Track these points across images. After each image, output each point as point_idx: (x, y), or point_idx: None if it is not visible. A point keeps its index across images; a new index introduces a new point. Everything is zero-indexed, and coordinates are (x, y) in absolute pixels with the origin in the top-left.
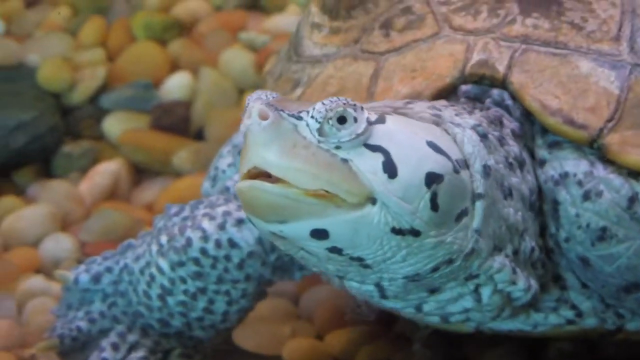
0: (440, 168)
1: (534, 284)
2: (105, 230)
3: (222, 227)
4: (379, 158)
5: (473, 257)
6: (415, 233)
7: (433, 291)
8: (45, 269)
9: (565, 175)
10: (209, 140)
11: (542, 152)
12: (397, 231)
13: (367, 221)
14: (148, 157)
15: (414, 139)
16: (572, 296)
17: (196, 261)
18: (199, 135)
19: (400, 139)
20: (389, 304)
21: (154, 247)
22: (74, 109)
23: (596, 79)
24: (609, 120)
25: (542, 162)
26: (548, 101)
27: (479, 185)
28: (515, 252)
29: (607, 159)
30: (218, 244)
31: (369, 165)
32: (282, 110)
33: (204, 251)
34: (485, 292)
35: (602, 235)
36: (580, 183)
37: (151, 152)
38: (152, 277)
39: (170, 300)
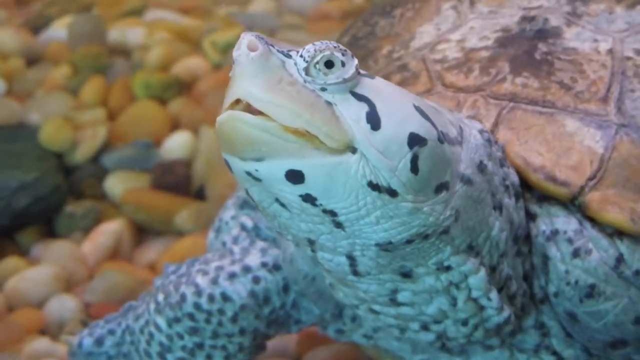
0: (425, 132)
1: (508, 310)
2: (109, 291)
3: (214, 281)
4: (363, 108)
5: (447, 240)
6: (392, 192)
7: (406, 275)
8: (50, 330)
9: (556, 232)
10: (210, 199)
11: (533, 207)
12: (373, 186)
13: (344, 169)
14: (150, 216)
15: (402, 100)
16: (555, 343)
17: (191, 316)
18: (199, 194)
19: (387, 96)
20: (363, 285)
21: (152, 306)
22: (75, 168)
23: (581, 137)
24: (590, 179)
25: (534, 216)
26: (532, 158)
27: (469, 170)
28: (493, 269)
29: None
30: (211, 298)
31: (352, 112)
32: (272, 45)
33: (197, 306)
34: (461, 296)
35: (591, 292)
36: (570, 240)
37: (153, 212)
38: (151, 335)
39: (170, 357)
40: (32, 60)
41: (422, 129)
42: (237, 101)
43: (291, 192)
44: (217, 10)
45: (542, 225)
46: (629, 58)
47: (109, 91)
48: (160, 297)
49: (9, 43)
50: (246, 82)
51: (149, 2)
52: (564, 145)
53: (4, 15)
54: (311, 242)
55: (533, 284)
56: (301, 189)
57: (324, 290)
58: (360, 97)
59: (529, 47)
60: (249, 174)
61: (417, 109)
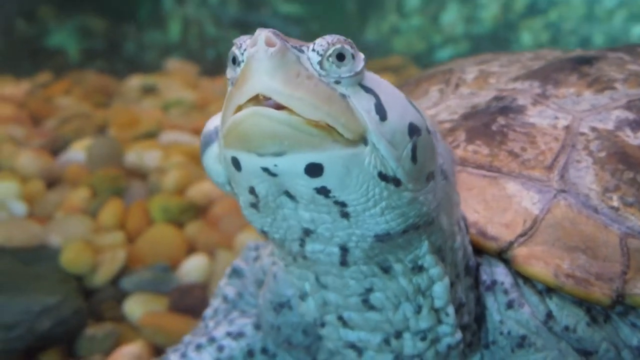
0: (419, 122)
1: (459, 334)
2: None
3: (184, 355)
4: (371, 100)
5: (429, 232)
6: (397, 182)
7: (385, 271)
8: None
9: (494, 283)
10: None
11: (477, 257)
12: (383, 176)
13: (359, 160)
14: (168, 339)
15: (397, 92)
16: None
17: None
18: None
19: (386, 88)
20: (347, 273)
21: None
22: (95, 290)
23: (519, 199)
24: (521, 235)
25: (478, 266)
26: (468, 214)
27: (445, 165)
28: (451, 285)
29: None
30: None
31: (364, 103)
32: (286, 41)
33: None
34: (425, 304)
35: (522, 343)
36: (506, 292)
37: (171, 335)
38: None
39: None
40: (52, 182)
41: (417, 120)
42: (251, 99)
43: (306, 185)
44: None
45: (484, 275)
46: (582, 133)
47: (127, 214)
48: None
49: (29, 166)
50: (266, 77)
51: (163, 124)
52: (501, 205)
53: (21, 133)
54: (307, 233)
55: (481, 329)
56: (317, 182)
57: (291, 335)
58: (368, 90)
59: (488, 120)
60: (265, 169)
61: (409, 101)
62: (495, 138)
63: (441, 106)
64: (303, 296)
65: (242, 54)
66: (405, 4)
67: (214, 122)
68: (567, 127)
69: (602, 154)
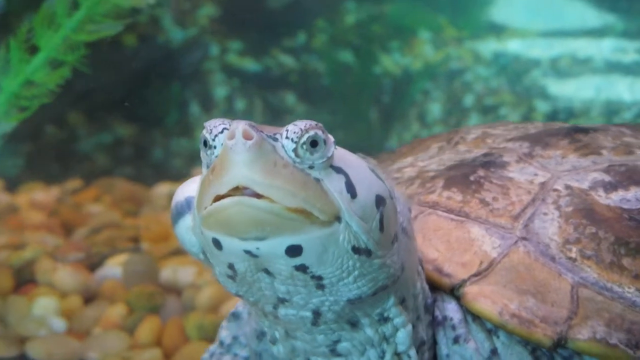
0: (383, 192)
1: None
2: None
3: None
4: (342, 179)
5: (394, 289)
6: (368, 252)
7: (353, 325)
8: None
9: (445, 319)
10: None
11: (433, 294)
12: (355, 250)
13: (335, 238)
14: None
15: (362, 164)
16: None
17: None
18: None
19: (351, 163)
20: (312, 336)
21: None
22: None
23: (481, 243)
24: (475, 275)
25: (433, 302)
26: (429, 252)
27: (404, 222)
28: (413, 327)
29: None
30: None
31: (336, 184)
32: (261, 132)
33: None
34: (389, 349)
35: None
36: (454, 327)
37: None
38: None
39: None
40: (89, 297)
41: (382, 190)
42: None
43: (286, 264)
44: None
45: (437, 311)
46: (555, 190)
47: (163, 331)
48: None
49: (67, 281)
50: (245, 169)
51: None
52: (462, 246)
53: (53, 243)
54: (282, 301)
55: None
56: (297, 260)
57: None
58: (338, 170)
59: (468, 171)
60: (247, 252)
61: (372, 171)
62: (470, 187)
63: (435, 159)
64: (273, 341)
65: (214, 139)
66: (427, 114)
67: (184, 193)
68: (542, 184)
69: (569, 209)
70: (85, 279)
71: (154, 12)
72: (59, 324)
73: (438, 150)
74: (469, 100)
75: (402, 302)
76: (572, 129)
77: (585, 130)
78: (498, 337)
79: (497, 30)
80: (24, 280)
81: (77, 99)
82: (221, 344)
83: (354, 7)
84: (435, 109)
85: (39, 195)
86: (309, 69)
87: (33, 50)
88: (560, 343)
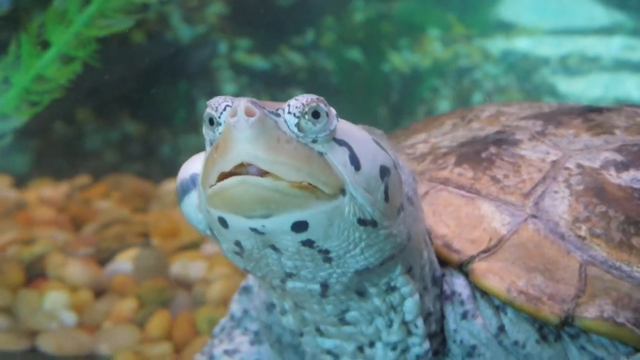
0: (387, 162)
1: (427, 343)
2: None
3: None
4: (345, 152)
5: (401, 257)
6: (374, 223)
7: (361, 294)
8: None
9: (453, 294)
10: None
11: (442, 268)
12: (361, 221)
13: (340, 212)
14: None
15: (364, 136)
16: None
17: None
18: None
19: (354, 135)
20: (322, 306)
21: None
22: None
23: (490, 219)
24: (484, 252)
25: (441, 277)
26: (439, 228)
27: (410, 191)
28: (420, 297)
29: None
30: None
31: (339, 157)
32: (263, 107)
33: None
34: (396, 319)
35: (472, 352)
36: (462, 302)
37: None
38: None
39: None
40: (100, 291)
41: (386, 160)
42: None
43: (293, 240)
44: None
45: (445, 285)
46: (567, 168)
47: (173, 325)
48: None
49: (78, 276)
50: (248, 146)
51: (205, 236)
52: (471, 222)
53: (63, 239)
54: (289, 275)
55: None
56: (303, 235)
57: (282, 335)
58: (341, 142)
59: (480, 148)
60: (253, 229)
61: (376, 142)
62: (482, 164)
63: (448, 136)
64: (283, 312)
65: (219, 116)
66: (436, 112)
67: (188, 170)
68: (554, 162)
69: (580, 188)
70: (95, 274)
71: (162, 9)
72: (70, 317)
73: (452, 127)
74: (477, 97)
75: (408, 271)
76: (585, 109)
77: (599, 110)
78: (506, 314)
79: (506, 28)
80: (35, 274)
81: (85, 96)
82: (232, 317)
83: (363, 4)
84: (444, 106)
85: (47, 191)
86: (318, 67)
87: (44, 45)
88: (567, 321)
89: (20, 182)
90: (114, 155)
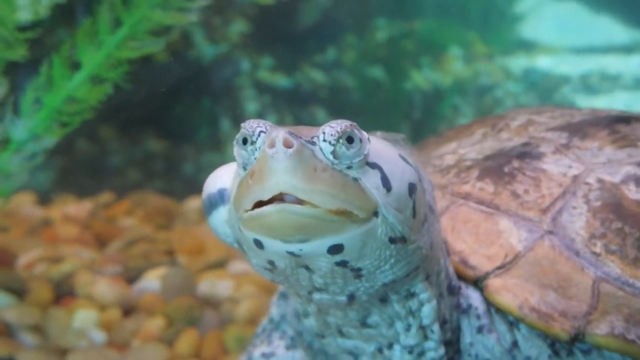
0: (414, 178)
1: (443, 349)
2: None
3: None
4: (377, 174)
5: (423, 267)
6: (403, 240)
7: (383, 300)
8: None
9: (469, 307)
10: None
11: (458, 282)
12: (392, 240)
13: (373, 233)
14: None
15: (393, 155)
16: None
17: None
18: None
19: (384, 155)
20: (345, 312)
21: None
22: None
23: (508, 235)
24: (499, 268)
25: (458, 289)
26: (456, 244)
27: (431, 200)
28: (437, 303)
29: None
30: None
31: (372, 181)
32: (300, 138)
33: None
34: (414, 323)
35: None
36: (478, 317)
37: None
38: None
39: None
40: (128, 310)
41: (412, 177)
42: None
43: (327, 261)
44: None
45: (461, 299)
46: (587, 183)
47: (201, 343)
48: None
49: (107, 294)
50: (287, 177)
51: (230, 253)
52: (489, 239)
53: (89, 257)
54: (318, 290)
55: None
56: (338, 257)
57: (312, 342)
58: (373, 165)
59: (503, 162)
60: (290, 253)
61: (401, 157)
62: (503, 178)
63: (476, 147)
64: (305, 315)
65: (256, 139)
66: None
67: (216, 184)
68: (575, 176)
69: (598, 204)
70: (123, 292)
71: (185, 28)
72: (99, 336)
73: (481, 137)
74: None
75: (427, 278)
76: (614, 119)
77: (627, 120)
78: (519, 329)
79: (527, 46)
80: (64, 292)
81: (109, 114)
82: (271, 320)
83: (384, 23)
84: None
85: (71, 208)
86: (340, 85)
87: (75, 66)
88: (577, 338)
89: (44, 199)
90: (137, 173)
